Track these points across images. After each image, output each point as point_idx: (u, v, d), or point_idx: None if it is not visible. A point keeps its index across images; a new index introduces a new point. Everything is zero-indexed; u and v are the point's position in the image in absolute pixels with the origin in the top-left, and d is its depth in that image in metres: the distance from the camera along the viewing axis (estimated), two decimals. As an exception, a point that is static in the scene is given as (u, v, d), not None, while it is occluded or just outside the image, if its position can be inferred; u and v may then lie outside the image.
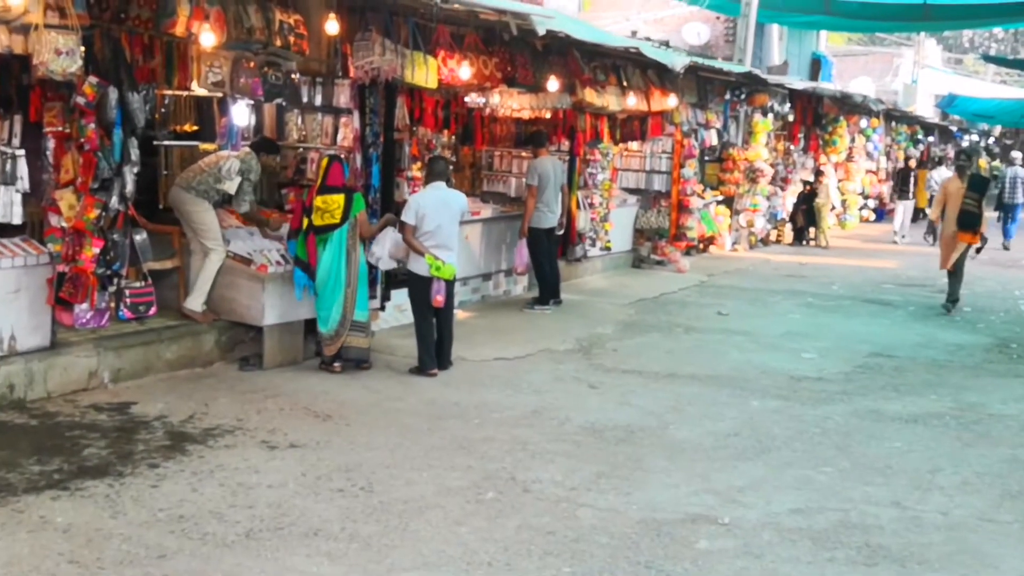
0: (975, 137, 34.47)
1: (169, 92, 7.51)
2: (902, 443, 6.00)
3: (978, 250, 11.36)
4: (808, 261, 15.59)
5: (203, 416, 5.98)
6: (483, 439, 5.78)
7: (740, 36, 16.50)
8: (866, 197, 23.40)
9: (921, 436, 6.18)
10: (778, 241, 17.97)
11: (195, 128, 7.75)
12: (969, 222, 10.69)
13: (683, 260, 13.70)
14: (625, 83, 11.98)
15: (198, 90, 7.03)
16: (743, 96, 15.48)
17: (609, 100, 11.46)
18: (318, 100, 8.29)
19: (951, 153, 32.72)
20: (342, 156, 7.43)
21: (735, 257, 15.69)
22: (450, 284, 7.30)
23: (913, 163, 21.69)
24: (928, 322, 10.15)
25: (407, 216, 7.16)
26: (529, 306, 10.02)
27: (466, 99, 9.85)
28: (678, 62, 11.25)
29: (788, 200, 18.09)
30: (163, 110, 7.91)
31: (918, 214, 25.10)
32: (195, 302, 7.14)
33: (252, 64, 7.08)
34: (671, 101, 12.87)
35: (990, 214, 20.42)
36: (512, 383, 7.12)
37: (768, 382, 7.48)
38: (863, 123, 22.75)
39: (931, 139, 30.92)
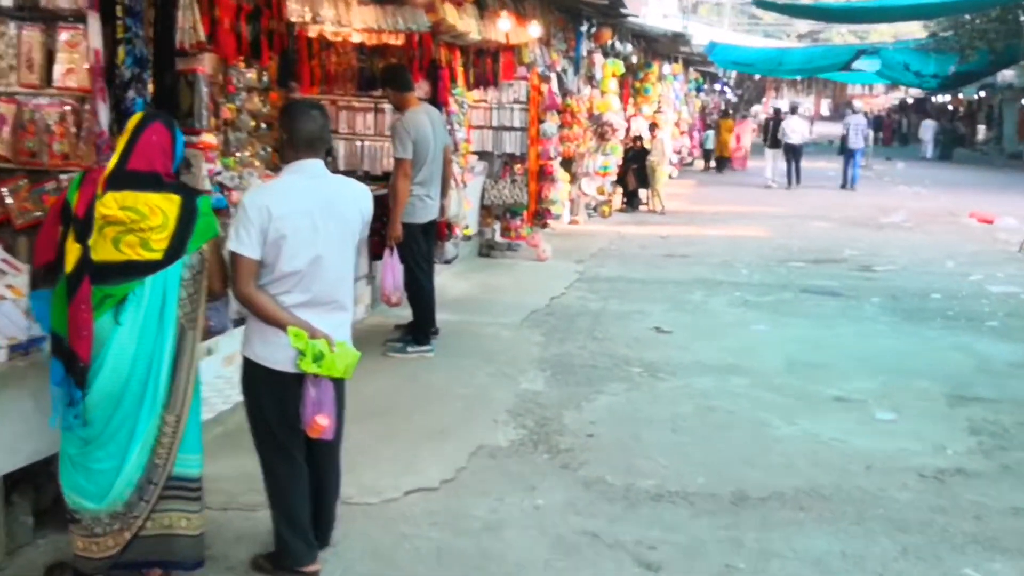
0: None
1: None
2: None
3: None
4: (667, 233, 12.91)
5: None
6: None
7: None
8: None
9: None
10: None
11: None
12: None
13: (545, 244, 10.40)
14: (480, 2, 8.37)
15: None
16: (592, 31, 12.33)
17: (470, 24, 7.80)
18: (2, -5, 4.01)
19: (720, 103, 32.23)
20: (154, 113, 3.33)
21: (581, 232, 12.64)
22: (340, 386, 3.41)
23: (771, 112, 21.95)
24: (926, 324, 7.66)
25: (238, 244, 3.15)
26: (397, 347, 6.22)
27: (288, 12, 5.62)
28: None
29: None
30: None
31: (722, 164, 24.04)
32: None
33: None
34: (532, 31, 9.43)
35: (836, 163, 20.85)
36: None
37: (910, 495, 4.19)
38: (666, 69, 20.67)
39: (718, 87, 30.38)
